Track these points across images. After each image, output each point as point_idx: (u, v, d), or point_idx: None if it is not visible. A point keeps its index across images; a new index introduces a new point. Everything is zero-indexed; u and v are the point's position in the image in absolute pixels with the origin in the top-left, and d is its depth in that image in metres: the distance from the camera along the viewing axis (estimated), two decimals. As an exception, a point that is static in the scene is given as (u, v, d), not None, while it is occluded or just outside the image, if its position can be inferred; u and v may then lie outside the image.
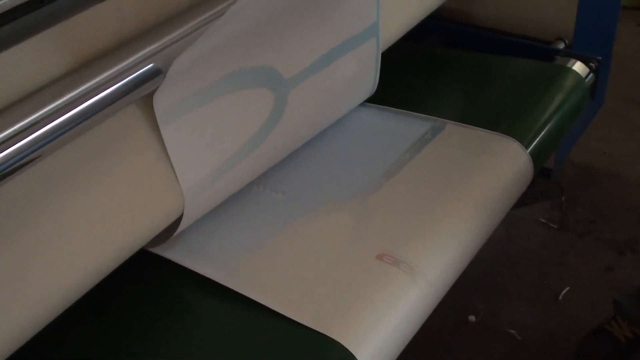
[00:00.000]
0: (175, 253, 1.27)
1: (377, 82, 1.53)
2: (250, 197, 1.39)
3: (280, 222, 1.33)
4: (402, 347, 1.19)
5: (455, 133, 1.51)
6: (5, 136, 0.88)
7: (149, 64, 1.02)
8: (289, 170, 1.45)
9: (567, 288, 2.34)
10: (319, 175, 1.45)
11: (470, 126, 1.51)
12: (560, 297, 2.32)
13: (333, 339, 1.11)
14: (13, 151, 0.89)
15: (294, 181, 1.43)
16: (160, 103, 1.02)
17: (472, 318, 2.27)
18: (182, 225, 1.20)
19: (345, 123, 1.57)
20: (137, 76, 1.00)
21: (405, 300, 1.20)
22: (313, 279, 1.22)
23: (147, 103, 1.07)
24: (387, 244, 1.26)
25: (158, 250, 1.27)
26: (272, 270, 1.24)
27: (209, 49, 1.05)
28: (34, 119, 0.92)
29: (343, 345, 1.10)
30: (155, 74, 1.02)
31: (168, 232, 1.22)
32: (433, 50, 1.89)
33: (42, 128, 0.92)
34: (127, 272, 1.18)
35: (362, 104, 1.60)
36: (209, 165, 1.17)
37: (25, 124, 0.91)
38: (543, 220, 2.58)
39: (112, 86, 0.97)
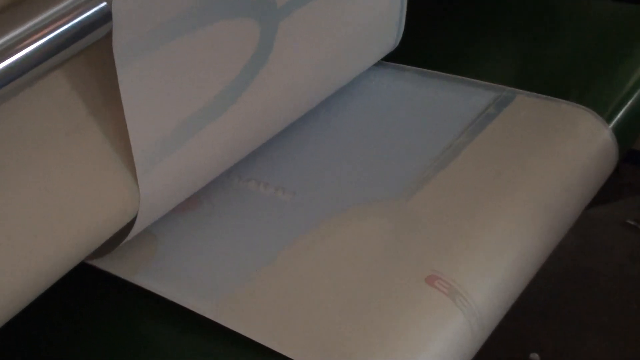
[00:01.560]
0: (150, 278, 1.23)
1: (404, 16, 1.51)
2: (248, 199, 1.36)
3: (289, 233, 1.27)
4: None
5: (524, 105, 1.48)
6: None
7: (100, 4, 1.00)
8: (299, 162, 1.42)
9: (663, 312, 2.33)
10: (340, 169, 1.41)
11: (535, 94, 1.50)
12: (653, 326, 2.31)
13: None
14: None
15: (307, 177, 1.39)
16: (119, 37, 0.99)
17: (535, 357, 2.26)
18: (138, 221, 1.17)
19: (371, 92, 1.56)
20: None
21: (445, 332, 1.16)
22: (324, 304, 1.17)
23: (94, 69, 1.07)
24: (437, 263, 1.21)
25: (115, 269, 1.25)
26: (275, 300, 1.19)
27: None
28: None
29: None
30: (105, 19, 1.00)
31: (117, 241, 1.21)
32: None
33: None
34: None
35: (390, 65, 1.60)
36: (169, 122, 1.12)
37: None
38: (631, 223, 2.58)
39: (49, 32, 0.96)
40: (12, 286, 1.06)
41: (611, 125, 1.46)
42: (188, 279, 1.23)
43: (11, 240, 1.04)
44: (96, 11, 1.00)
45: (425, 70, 1.57)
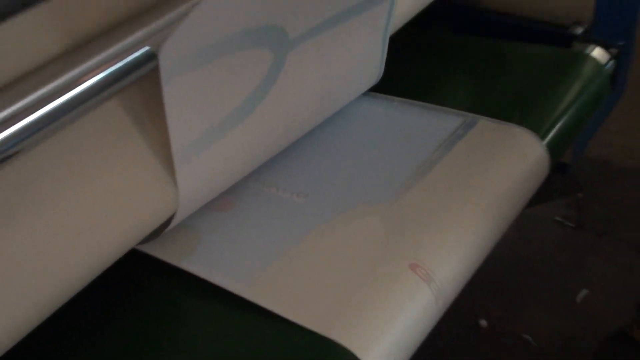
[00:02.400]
0: (191, 264, 1.25)
1: (384, 56, 1.52)
2: (270, 202, 1.36)
3: (302, 228, 1.29)
4: (411, 353, 1.18)
5: (484, 127, 1.49)
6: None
7: (143, 47, 1.02)
8: (310, 172, 1.43)
9: (586, 291, 2.34)
10: (343, 177, 1.41)
11: (491, 119, 1.50)
12: (578, 300, 2.33)
13: (338, 343, 1.10)
14: None
15: (316, 184, 1.40)
16: (166, 60, 1.00)
17: (483, 323, 2.28)
18: (180, 209, 1.17)
19: (362, 117, 1.56)
20: (130, 61, 1.00)
21: (416, 305, 1.18)
22: (329, 283, 1.20)
23: (140, 91, 1.07)
24: (419, 253, 1.23)
25: (166, 256, 1.26)
26: (290, 275, 1.21)
27: (221, 5, 1.03)
28: (15, 110, 0.91)
29: (349, 350, 1.09)
30: (149, 59, 1.02)
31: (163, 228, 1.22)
32: (441, 37, 1.88)
33: (22, 120, 0.92)
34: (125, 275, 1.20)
35: (377, 95, 1.60)
36: (204, 125, 1.13)
37: (12, 111, 0.92)
38: (559, 219, 2.59)
39: (102, 72, 0.97)
40: (78, 268, 1.06)
41: (545, 142, 1.46)
42: (224, 264, 1.24)
43: (78, 229, 1.04)
44: (142, 53, 1.03)
45: (404, 99, 1.57)
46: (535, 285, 2.38)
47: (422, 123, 1.52)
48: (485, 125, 1.48)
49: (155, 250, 1.27)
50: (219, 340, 1.17)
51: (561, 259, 2.46)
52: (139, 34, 1.02)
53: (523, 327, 2.26)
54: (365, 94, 1.59)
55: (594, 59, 1.67)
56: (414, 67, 1.71)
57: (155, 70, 1.03)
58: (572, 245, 2.50)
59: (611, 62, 1.69)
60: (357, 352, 1.08)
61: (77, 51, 0.99)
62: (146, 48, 1.02)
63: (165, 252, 1.27)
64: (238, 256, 1.25)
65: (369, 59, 1.48)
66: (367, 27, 1.41)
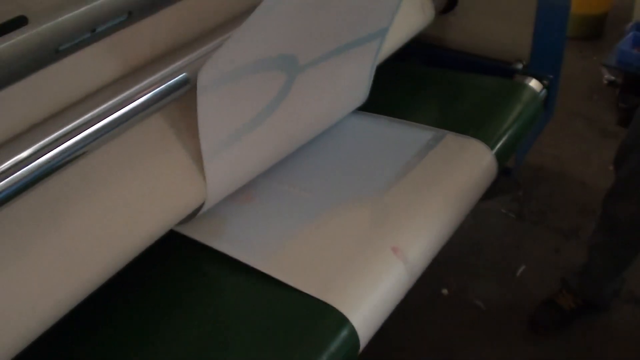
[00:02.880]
0: (219, 244, 1.24)
1: (371, 82, 1.52)
2: (283, 196, 1.36)
3: (309, 216, 1.30)
4: (387, 314, 1.19)
5: (449, 139, 1.48)
6: (65, 131, 0.91)
7: (181, 74, 1.04)
8: (315, 173, 1.42)
9: (523, 266, 2.34)
10: (340, 177, 1.41)
11: (454, 133, 1.50)
12: (517, 274, 2.33)
13: (331, 306, 1.10)
14: (72, 144, 0.92)
15: (320, 182, 1.39)
16: (203, 78, 1.01)
17: (445, 292, 2.27)
18: (208, 197, 1.18)
19: (356, 130, 1.55)
20: (171, 84, 1.03)
21: (392, 276, 1.19)
22: (327, 259, 1.20)
23: (178, 107, 1.09)
24: (399, 238, 1.24)
25: (200, 237, 1.26)
26: (297, 253, 1.22)
27: (252, 35, 1.04)
28: (88, 117, 0.95)
29: (339, 310, 1.10)
30: (185, 83, 1.04)
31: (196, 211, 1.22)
32: (415, 69, 1.88)
33: (91, 127, 0.93)
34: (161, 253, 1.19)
35: (366, 114, 1.59)
36: (227, 129, 1.13)
37: (81, 121, 0.93)
38: (504, 211, 2.59)
39: (151, 91, 1.00)
40: (129, 243, 1.06)
41: (494, 151, 1.47)
42: (246, 244, 1.24)
43: (129, 213, 1.05)
44: (180, 79, 1.04)
45: (386, 116, 1.58)
46: (485, 262, 2.38)
47: (401, 135, 1.52)
48: (450, 138, 1.48)
49: (192, 232, 1.27)
50: (238, 305, 1.18)
51: (505, 242, 2.46)
52: (178, 64, 1.05)
53: (475, 295, 2.26)
54: (355, 112, 1.59)
55: (530, 88, 1.68)
56: (393, 92, 1.71)
57: (190, 91, 1.04)
58: (514, 231, 2.50)
59: (544, 91, 1.70)
60: (345, 312, 1.10)
61: (133, 75, 1.02)
62: (183, 74, 1.05)
63: (200, 234, 1.27)
64: (257, 238, 1.26)
65: (360, 82, 1.49)
66: (361, 57, 1.42)
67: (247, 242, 1.25)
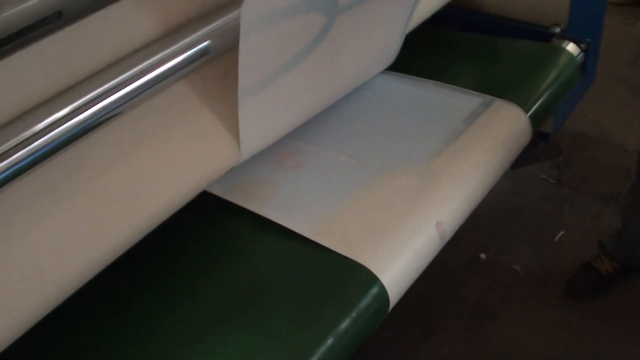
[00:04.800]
0: (269, 211, 1.25)
1: (402, 39, 1.49)
2: (330, 162, 1.35)
3: (356, 183, 1.29)
4: (417, 275, 1.20)
5: (498, 105, 1.47)
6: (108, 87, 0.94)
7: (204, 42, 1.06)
8: (361, 138, 1.41)
9: (562, 232, 2.33)
10: (386, 143, 1.40)
11: (493, 97, 1.49)
12: (556, 239, 2.31)
13: (362, 264, 1.12)
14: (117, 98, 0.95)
15: (367, 148, 1.38)
16: (246, 16, 0.98)
17: (483, 256, 2.27)
18: (243, 145, 1.15)
19: (398, 94, 1.54)
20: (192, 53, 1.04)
21: (423, 238, 1.20)
22: (366, 224, 1.20)
23: (210, 70, 1.10)
24: (442, 214, 1.24)
25: (253, 207, 1.26)
26: (338, 219, 1.22)
27: None
28: (126, 76, 0.97)
29: (370, 269, 1.11)
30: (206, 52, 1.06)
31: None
32: (451, 34, 1.87)
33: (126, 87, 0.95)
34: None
35: (408, 77, 1.59)
36: (265, 68, 1.11)
37: (119, 80, 0.96)
38: (544, 177, 2.57)
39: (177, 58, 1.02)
40: (162, 201, 1.06)
41: (528, 114, 1.46)
42: (295, 212, 1.24)
43: (162, 170, 1.06)
44: (203, 46, 1.06)
45: (427, 79, 1.58)
46: (524, 227, 2.37)
47: (448, 100, 1.51)
48: (498, 104, 1.47)
49: (240, 199, 1.28)
50: (273, 265, 1.19)
51: (544, 207, 2.44)
52: (201, 32, 1.06)
53: (513, 259, 2.25)
54: (395, 74, 1.59)
55: (567, 52, 1.66)
56: (429, 56, 1.70)
57: (216, 57, 1.07)
58: (553, 197, 2.48)
59: (581, 54, 1.68)
60: (375, 270, 1.11)
61: (167, 38, 1.03)
62: (206, 42, 1.06)
63: (249, 202, 1.27)
64: (306, 206, 1.26)
65: (394, 36, 1.46)
66: (398, 6, 1.38)
67: (294, 209, 1.25)
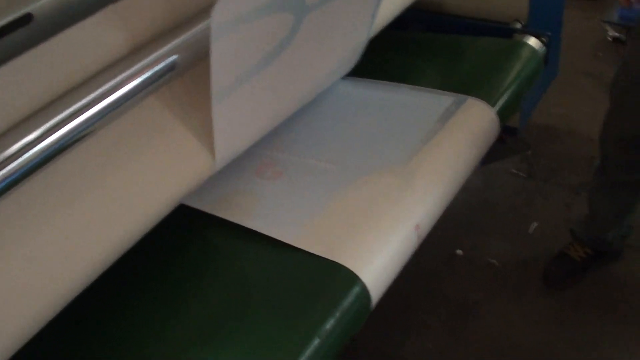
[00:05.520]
0: (253, 220, 1.24)
1: (364, 46, 1.50)
2: (310, 170, 1.35)
3: (336, 187, 1.29)
4: (397, 272, 1.20)
5: (472, 104, 1.48)
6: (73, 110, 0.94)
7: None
8: (339, 145, 1.41)
9: (536, 223, 2.36)
10: (364, 146, 1.40)
11: (465, 96, 1.50)
12: (530, 231, 2.34)
13: (342, 265, 1.13)
14: (80, 123, 0.94)
15: (345, 154, 1.37)
16: (217, 20, 0.97)
17: (459, 252, 2.30)
18: (218, 151, 1.14)
19: (370, 99, 1.55)
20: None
21: (401, 237, 1.21)
22: (345, 226, 1.20)
23: (182, 85, 1.10)
24: (420, 216, 1.24)
25: (231, 217, 1.26)
26: (325, 227, 1.21)
27: None
28: (95, 95, 0.97)
29: (350, 269, 1.12)
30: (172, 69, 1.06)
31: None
32: (414, 36, 1.88)
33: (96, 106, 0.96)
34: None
35: (376, 82, 1.59)
36: (237, 70, 1.10)
37: (88, 100, 0.96)
38: (514, 171, 2.61)
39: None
40: (140, 216, 1.06)
41: (495, 109, 1.48)
42: (277, 221, 1.24)
43: (136, 186, 1.06)
44: (170, 61, 1.06)
45: (397, 83, 1.59)
46: (498, 221, 2.40)
47: (420, 101, 1.51)
48: (470, 102, 1.48)
49: (221, 212, 1.27)
50: (256, 273, 1.19)
51: (516, 201, 2.48)
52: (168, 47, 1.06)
53: (490, 253, 2.28)
54: (364, 80, 1.60)
55: (529, 46, 1.68)
56: (394, 59, 1.71)
57: (185, 70, 1.07)
58: (524, 190, 2.52)
59: (543, 48, 1.69)
60: (356, 270, 1.12)
61: (135, 55, 1.03)
62: (175, 56, 1.06)
63: (230, 214, 1.27)
64: (287, 214, 1.25)
65: (358, 37, 1.46)
66: (361, 9, 1.38)
67: (275, 218, 1.25)
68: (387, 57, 1.70)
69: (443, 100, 1.49)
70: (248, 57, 1.11)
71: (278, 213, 1.26)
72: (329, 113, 1.51)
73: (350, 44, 1.46)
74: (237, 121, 1.19)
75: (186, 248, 1.27)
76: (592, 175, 2.07)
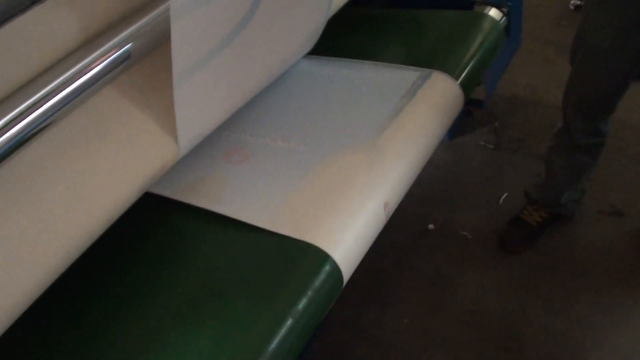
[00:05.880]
0: (222, 205, 1.24)
1: (324, 26, 1.49)
2: (278, 152, 1.34)
3: (305, 167, 1.28)
4: (367, 249, 1.20)
5: (437, 78, 1.48)
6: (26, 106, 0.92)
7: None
8: (306, 125, 1.40)
9: (506, 194, 2.38)
10: (332, 125, 1.39)
11: (430, 69, 1.50)
12: (500, 202, 2.36)
13: (312, 244, 1.13)
14: (35, 117, 0.92)
15: (312, 134, 1.37)
16: (175, 1, 0.96)
17: (431, 226, 2.31)
18: (179, 126, 1.12)
19: (335, 77, 1.55)
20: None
21: (368, 212, 1.21)
22: (322, 211, 1.20)
23: (140, 73, 1.09)
24: (389, 195, 1.25)
25: (200, 202, 1.26)
26: (296, 208, 1.21)
27: None
28: (51, 87, 0.96)
29: (321, 248, 1.13)
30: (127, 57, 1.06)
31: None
32: (375, 11, 1.88)
33: (55, 96, 0.95)
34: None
35: (340, 60, 1.59)
36: (198, 50, 1.08)
37: (42, 94, 0.94)
38: (482, 143, 2.62)
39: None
40: (104, 208, 1.05)
41: (458, 81, 1.48)
42: (246, 204, 1.23)
43: (99, 176, 1.05)
44: (125, 49, 1.06)
45: (363, 60, 1.59)
46: (469, 194, 2.42)
47: (385, 77, 1.51)
48: (435, 76, 1.48)
49: (190, 198, 1.27)
50: (226, 256, 1.19)
51: (486, 172, 2.49)
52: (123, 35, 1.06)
53: (461, 226, 2.30)
54: (328, 58, 1.59)
55: (490, 17, 1.68)
56: (356, 35, 1.71)
57: (140, 58, 1.07)
58: (494, 161, 2.53)
59: (504, 19, 1.70)
60: (326, 248, 1.12)
61: (89, 45, 1.03)
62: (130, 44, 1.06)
63: (199, 199, 1.27)
64: (256, 197, 1.25)
65: (318, 15, 1.45)
66: None
67: (245, 202, 1.24)
68: (349, 35, 1.70)
69: (408, 75, 1.49)
70: (208, 37, 1.10)
71: (247, 197, 1.26)
72: (295, 93, 1.51)
73: (311, 21, 1.45)
74: (200, 104, 1.18)
75: (155, 236, 1.26)
76: (552, 137, 2.11)
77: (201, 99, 1.17)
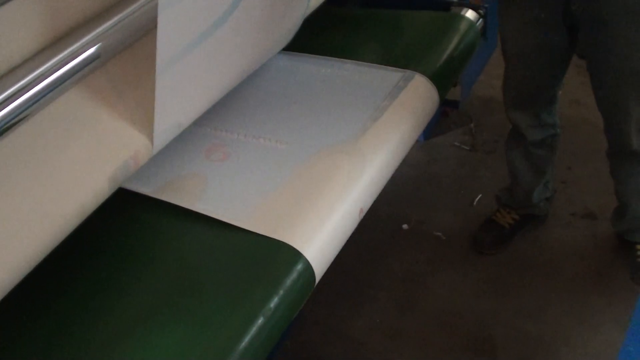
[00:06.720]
0: (201, 203, 1.23)
1: (300, 23, 1.49)
2: (260, 150, 1.34)
3: (287, 167, 1.28)
4: (339, 248, 1.21)
5: (420, 83, 1.48)
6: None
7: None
8: (289, 124, 1.40)
9: (480, 195, 2.39)
10: (314, 124, 1.39)
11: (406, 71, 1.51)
12: (475, 203, 2.37)
13: (285, 242, 1.13)
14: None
15: (295, 132, 1.37)
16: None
17: (405, 226, 2.32)
18: (157, 111, 1.10)
19: (316, 75, 1.55)
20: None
21: (341, 211, 1.21)
22: (299, 211, 1.20)
23: (119, 67, 1.09)
24: (364, 201, 1.25)
25: (185, 204, 1.24)
26: (275, 208, 1.21)
27: None
28: (19, 86, 0.96)
29: (293, 247, 1.13)
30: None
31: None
32: (353, 12, 1.88)
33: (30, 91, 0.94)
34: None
35: (325, 58, 1.59)
36: (182, 39, 1.07)
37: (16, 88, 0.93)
38: (457, 144, 2.63)
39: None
40: (77, 202, 1.04)
41: (434, 83, 1.48)
42: (227, 203, 1.23)
43: (71, 173, 1.04)
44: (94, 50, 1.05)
45: (348, 60, 1.59)
46: (443, 194, 2.43)
47: (367, 78, 1.51)
48: (416, 78, 1.49)
49: (169, 197, 1.26)
50: (200, 254, 1.19)
51: (460, 173, 2.51)
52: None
53: (435, 227, 2.31)
54: (307, 55, 1.59)
55: (467, 19, 1.69)
56: (334, 35, 1.71)
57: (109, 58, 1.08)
58: (468, 162, 2.55)
59: (480, 20, 1.71)
60: (298, 247, 1.12)
61: (58, 44, 1.03)
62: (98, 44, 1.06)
63: (179, 198, 1.25)
64: (235, 196, 1.24)
65: (297, 7, 1.44)
66: None
67: (223, 200, 1.24)
68: (327, 33, 1.70)
69: (390, 76, 1.50)
70: (193, 25, 1.09)
71: (226, 195, 1.25)
72: (278, 90, 1.51)
73: (290, 16, 1.45)
74: (180, 93, 1.17)
75: (129, 233, 1.25)
76: (506, 140, 2.16)
77: (182, 87, 1.16)
